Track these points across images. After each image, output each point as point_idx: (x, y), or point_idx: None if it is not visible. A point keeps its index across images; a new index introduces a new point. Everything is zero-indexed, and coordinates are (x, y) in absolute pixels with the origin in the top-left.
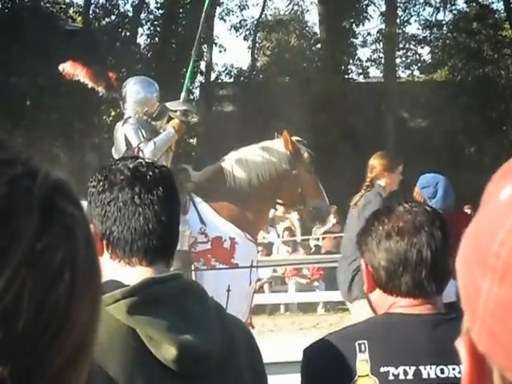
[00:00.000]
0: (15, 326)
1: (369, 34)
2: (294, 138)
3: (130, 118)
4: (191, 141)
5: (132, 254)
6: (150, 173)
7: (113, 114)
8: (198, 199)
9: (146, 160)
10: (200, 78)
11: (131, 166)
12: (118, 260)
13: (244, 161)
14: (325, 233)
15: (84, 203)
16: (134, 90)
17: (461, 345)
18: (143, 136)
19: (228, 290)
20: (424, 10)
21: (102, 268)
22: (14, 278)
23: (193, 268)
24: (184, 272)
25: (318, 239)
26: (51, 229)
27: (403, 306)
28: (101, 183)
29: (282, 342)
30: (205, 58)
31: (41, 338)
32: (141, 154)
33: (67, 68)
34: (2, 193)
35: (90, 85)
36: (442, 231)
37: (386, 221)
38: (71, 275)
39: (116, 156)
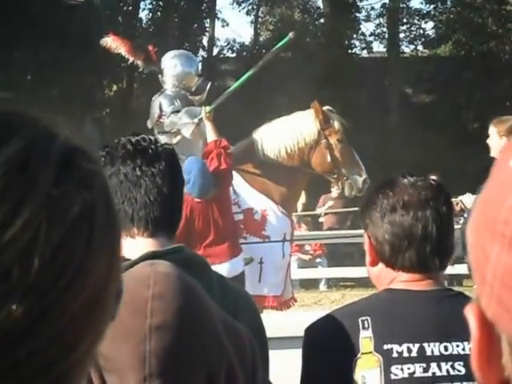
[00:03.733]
0: (31, 264)
1: (372, 8)
2: (325, 108)
3: (166, 90)
4: None
5: (133, 224)
6: (152, 146)
7: (115, 88)
8: None
9: (150, 137)
10: (202, 53)
11: (133, 140)
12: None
13: (273, 133)
14: (328, 209)
15: None
16: (172, 64)
17: (470, 313)
18: (177, 106)
19: (260, 263)
20: None
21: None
22: (31, 219)
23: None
24: None
25: (319, 215)
26: (69, 180)
27: (405, 280)
28: (103, 158)
29: (283, 319)
30: (207, 33)
31: (56, 283)
32: (163, 119)
33: (109, 42)
34: (21, 146)
35: (130, 58)
36: (448, 206)
37: (390, 194)
38: (88, 227)
39: (149, 125)
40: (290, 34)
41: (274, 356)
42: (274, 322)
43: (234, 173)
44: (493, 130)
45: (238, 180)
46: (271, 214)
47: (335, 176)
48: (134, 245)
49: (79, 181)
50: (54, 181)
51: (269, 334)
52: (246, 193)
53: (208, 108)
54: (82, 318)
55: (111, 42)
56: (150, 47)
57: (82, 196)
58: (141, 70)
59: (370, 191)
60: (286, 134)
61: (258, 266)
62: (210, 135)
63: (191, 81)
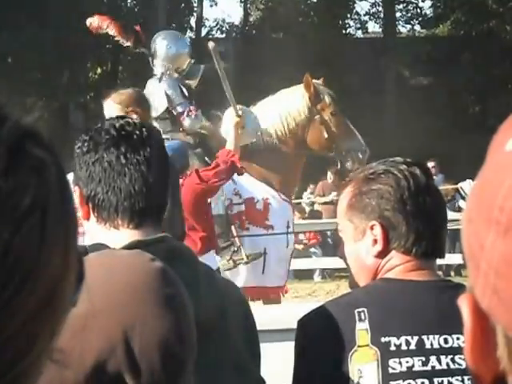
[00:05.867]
0: None
1: None
2: (314, 81)
3: (163, 74)
4: None
5: (117, 215)
6: (137, 132)
7: (99, 71)
8: None
9: (134, 120)
10: (190, 34)
11: (117, 125)
12: (103, 223)
13: (261, 117)
14: (324, 203)
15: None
16: (165, 45)
17: (463, 303)
18: (185, 95)
19: (264, 253)
20: None
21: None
22: None
23: (235, 233)
24: (224, 237)
25: (312, 204)
26: (19, 171)
27: (401, 270)
28: (86, 143)
29: (276, 310)
30: (195, 13)
31: (9, 281)
32: (185, 120)
33: (94, 22)
34: None
35: (119, 39)
36: (439, 194)
37: (383, 181)
38: (41, 219)
39: (153, 114)
40: (210, 45)
41: (266, 349)
42: (265, 315)
43: None
44: None
45: None
46: (273, 201)
47: (333, 152)
48: (119, 236)
49: (31, 170)
50: (2, 171)
51: (260, 326)
52: (246, 182)
53: (238, 115)
54: (36, 317)
55: (98, 21)
56: (138, 28)
57: (33, 187)
58: (127, 51)
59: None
60: (275, 117)
61: (262, 257)
62: (230, 142)
63: (184, 63)
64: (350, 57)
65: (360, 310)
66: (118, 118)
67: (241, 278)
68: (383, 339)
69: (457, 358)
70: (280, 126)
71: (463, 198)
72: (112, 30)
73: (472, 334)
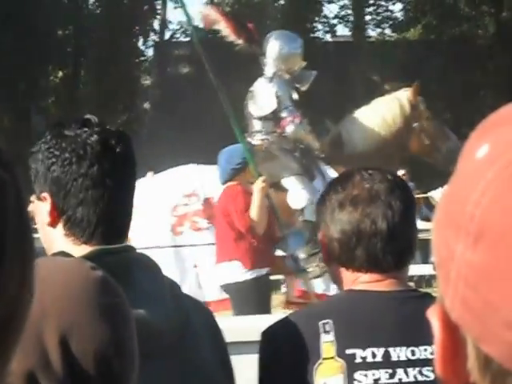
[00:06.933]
0: None
1: None
2: (406, 89)
3: (274, 75)
4: (145, 105)
5: (92, 236)
6: (119, 149)
7: (60, 74)
8: (323, 165)
9: (112, 129)
10: (153, 37)
11: (100, 137)
12: (73, 238)
13: (359, 124)
14: None
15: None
16: (278, 46)
17: (433, 315)
18: (293, 99)
19: None
20: None
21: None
22: None
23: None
24: (312, 244)
25: None
26: None
27: (366, 281)
28: (67, 154)
29: (241, 322)
30: (158, 16)
31: None
32: (288, 125)
33: (211, 15)
34: None
35: (231, 37)
36: (403, 201)
37: (340, 189)
38: None
39: (259, 113)
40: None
41: (238, 361)
42: (232, 326)
43: (327, 167)
44: None
45: (332, 175)
46: None
47: (436, 154)
48: (87, 250)
49: None
50: None
51: (230, 338)
52: None
53: (263, 180)
54: None
55: (213, 14)
56: (251, 25)
57: None
58: (88, 54)
59: (325, 187)
60: (373, 124)
61: None
62: (257, 201)
63: (295, 64)
64: (319, 61)
65: (325, 321)
66: (94, 126)
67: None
68: (348, 351)
69: (424, 370)
70: (378, 131)
71: (433, 207)
72: (224, 26)
73: (442, 345)
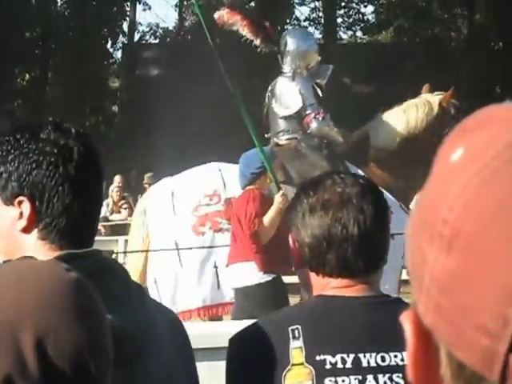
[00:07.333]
0: None
1: None
2: (437, 93)
3: (294, 73)
4: (113, 108)
5: (70, 244)
6: (96, 155)
7: (27, 77)
8: (350, 165)
9: (85, 132)
10: (122, 39)
11: (84, 141)
12: (49, 243)
13: (385, 124)
14: None
15: None
16: (295, 43)
17: (405, 320)
18: (318, 96)
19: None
20: None
21: None
22: None
23: None
24: None
25: None
26: None
27: (336, 286)
28: (53, 158)
29: (210, 328)
30: (127, 17)
31: None
32: (312, 122)
33: (223, 17)
34: None
35: (248, 36)
36: (375, 205)
37: (311, 193)
38: None
39: (285, 112)
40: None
41: (200, 368)
42: (200, 332)
43: (354, 168)
44: None
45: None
46: (395, 211)
47: None
48: (57, 253)
49: None
50: None
51: (195, 344)
52: None
53: (282, 193)
54: None
55: (227, 16)
56: (268, 24)
57: None
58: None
59: (296, 190)
60: (398, 123)
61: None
62: (272, 212)
63: (313, 60)
64: None
65: (294, 327)
66: (73, 131)
67: None
68: (318, 357)
69: (395, 376)
70: (405, 132)
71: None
72: (240, 26)
73: (414, 351)
